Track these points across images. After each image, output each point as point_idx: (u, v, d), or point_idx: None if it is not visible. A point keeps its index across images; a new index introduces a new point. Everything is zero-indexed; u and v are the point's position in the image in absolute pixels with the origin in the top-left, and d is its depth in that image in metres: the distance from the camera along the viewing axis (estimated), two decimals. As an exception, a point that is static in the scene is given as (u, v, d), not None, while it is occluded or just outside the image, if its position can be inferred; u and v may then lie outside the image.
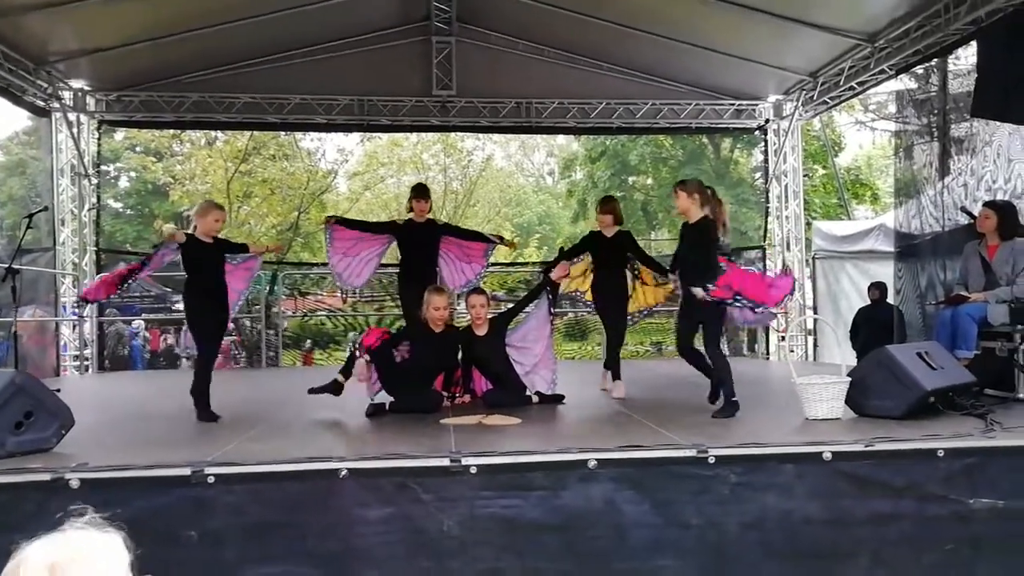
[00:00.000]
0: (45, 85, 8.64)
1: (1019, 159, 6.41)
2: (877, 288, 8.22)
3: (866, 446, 3.41)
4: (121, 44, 8.31)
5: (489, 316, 5.39)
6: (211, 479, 3.14)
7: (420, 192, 6.06)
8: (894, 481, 3.36)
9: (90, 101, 9.46)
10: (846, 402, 4.24)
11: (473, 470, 3.22)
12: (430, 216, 6.12)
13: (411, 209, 6.02)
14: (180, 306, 14.57)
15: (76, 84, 9.19)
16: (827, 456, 3.35)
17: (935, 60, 7.74)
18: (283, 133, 16.07)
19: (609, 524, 3.25)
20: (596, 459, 3.28)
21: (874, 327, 7.73)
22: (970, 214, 5.57)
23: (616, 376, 5.71)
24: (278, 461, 3.28)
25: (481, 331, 5.31)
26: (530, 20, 9.08)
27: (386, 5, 8.97)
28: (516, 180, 27.03)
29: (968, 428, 3.77)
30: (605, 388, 5.83)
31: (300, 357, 12.74)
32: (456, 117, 9.88)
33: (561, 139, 23.97)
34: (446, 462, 3.23)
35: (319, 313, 15.69)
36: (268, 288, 12.85)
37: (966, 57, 8.36)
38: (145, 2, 7.49)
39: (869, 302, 8.41)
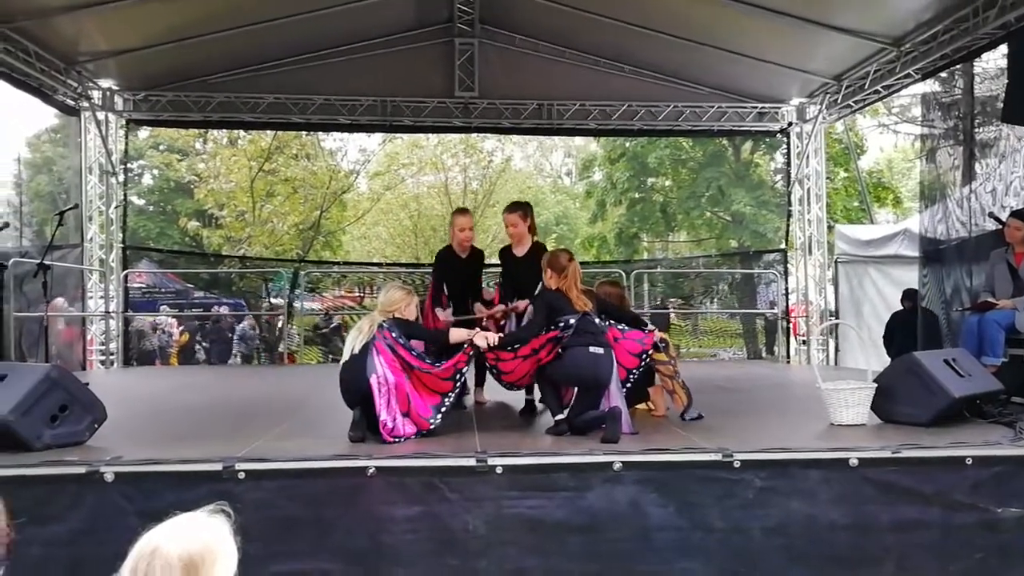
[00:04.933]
0: (75, 84, 8.78)
1: (1049, 166, 6.33)
2: (910, 299, 7.99)
3: (893, 453, 3.40)
4: (148, 45, 8.43)
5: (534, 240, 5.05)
6: (242, 475, 3.19)
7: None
8: (921, 488, 3.35)
9: (118, 101, 9.59)
10: (872, 408, 4.22)
11: (499, 470, 3.24)
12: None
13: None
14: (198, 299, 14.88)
15: (105, 84, 9.32)
16: (854, 462, 3.34)
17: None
18: (306, 133, 16.16)
19: (633, 526, 3.26)
20: (621, 461, 3.29)
21: (910, 332, 7.54)
22: (998, 220, 5.52)
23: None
24: (307, 458, 3.33)
25: (521, 250, 5.05)
26: (552, 22, 9.08)
27: (409, 7, 9.02)
28: (534, 181, 27.02)
29: (996, 436, 3.75)
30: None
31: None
32: (478, 118, 9.90)
33: (580, 140, 23.91)
34: (472, 462, 3.27)
35: (341, 311, 15.75)
36: (289, 286, 12.99)
37: (993, 60, 8.26)
38: (172, 4, 7.59)
39: (900, 307, 8.21)
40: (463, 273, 5.24)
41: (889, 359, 7.41)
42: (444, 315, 5.08)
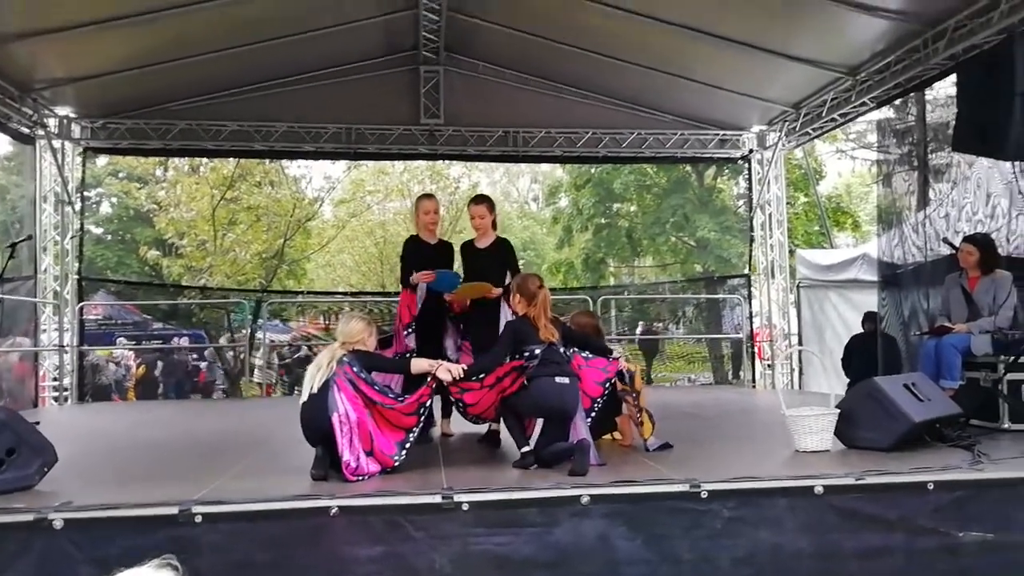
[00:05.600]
0: (30, 112, 8.59)
1: (998, 193, 6.54)
2: (871, 321, 8.12)
3: (857, 479, 3.42)
4: (107, 72, 8.31)
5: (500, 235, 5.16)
6: (198, 518, 3.08)
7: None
8: (885, 514, 3.36)
9: (75, 128, 9.41)
10: (835, 434, 4.25)
11: (465, 507, 3.18)
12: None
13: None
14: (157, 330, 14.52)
15: (62, 111, 9.15)
16: (819, 490, 3.35)
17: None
18: (269, 160, 16.03)
19: (602, 560, 3.22)
20: (589, 495, 3.26)
21: (869, 355, 7.65)
22: (952, 245, 5.66)
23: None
24: (267, 499, 3.23)
25: (484, 243, 5.06)
26: (517, 50, 9.18)
27: (374, 35, 9.04)
28: (501, 206, 27.15)
29: (956, 460, 3.79)
30: None
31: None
32: (444, 146, 9.93)
33: (546, 166, 24.14)
34: (438, 499, 3.20)
35: (307, 343, 15.54)
36: (252, 316, 12.77)
37: (943, 88, 8.55)
38: (131, 31, 7.48)
39: (861, 331, 8.35)
40: (433, 262, 5.07)
41: (847, 380, 7.51)
42: (420, 288, 5.02)
